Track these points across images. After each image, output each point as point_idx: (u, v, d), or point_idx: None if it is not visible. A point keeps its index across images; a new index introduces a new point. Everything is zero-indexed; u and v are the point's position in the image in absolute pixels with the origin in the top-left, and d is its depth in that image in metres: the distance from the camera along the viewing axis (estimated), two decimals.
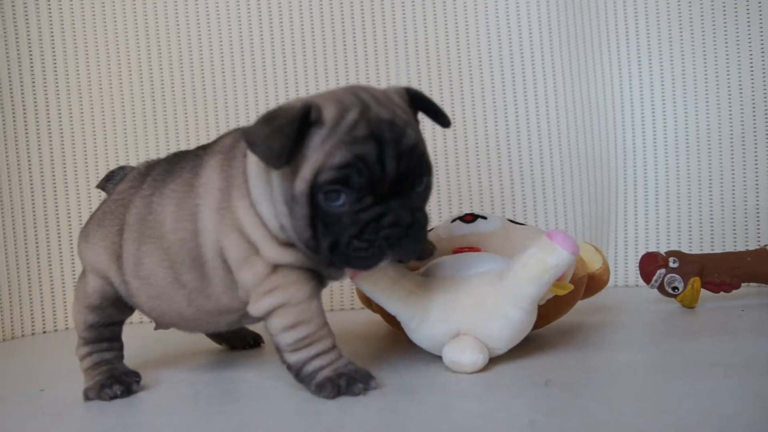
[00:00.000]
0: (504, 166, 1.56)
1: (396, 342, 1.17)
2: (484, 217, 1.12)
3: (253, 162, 0.89)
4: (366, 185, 0.81)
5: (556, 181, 1.56)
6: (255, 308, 0.90)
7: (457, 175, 1.56)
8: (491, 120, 1.56)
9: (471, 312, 0.94)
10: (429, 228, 1.00)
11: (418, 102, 0.90)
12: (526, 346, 1.06)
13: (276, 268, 0.88)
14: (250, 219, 0.88)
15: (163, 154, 1.52)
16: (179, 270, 0.94)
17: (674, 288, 1.29)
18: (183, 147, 1.54)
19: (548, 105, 1.55)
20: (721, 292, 1.30)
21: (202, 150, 0.99)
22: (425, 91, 1.54)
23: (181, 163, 0.98)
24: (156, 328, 1.12)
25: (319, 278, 0.92)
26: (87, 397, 0.94)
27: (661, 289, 1.30)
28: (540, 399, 0.83)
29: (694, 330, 1.13)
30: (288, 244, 0.88)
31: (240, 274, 0.90)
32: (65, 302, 1.51)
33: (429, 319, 0.96)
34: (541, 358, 1.00)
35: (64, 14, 1.51)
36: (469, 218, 1.12)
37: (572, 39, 1.55)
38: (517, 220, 1.21)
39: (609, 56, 1.57)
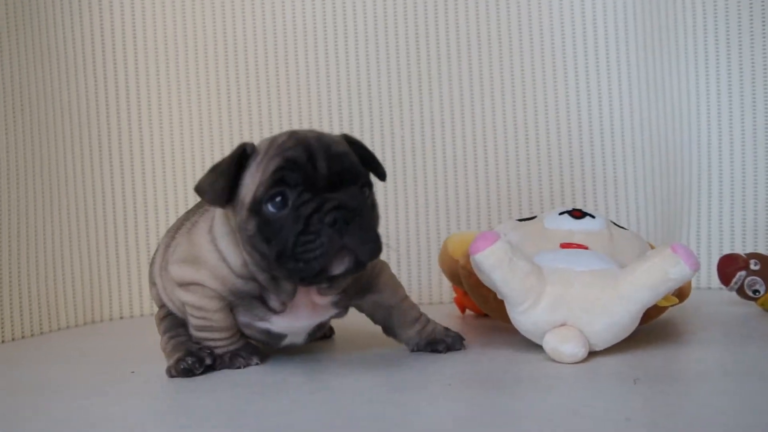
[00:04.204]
0: (576, 163, 1.55)
1: (476, 334, 1.18)
2: (592, 216, 1.12)
3: (217, 213, 0.97)
4: (302, 182, 0.86)
5: (628, 179, 1.54)
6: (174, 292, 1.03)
7: (528, 171, 1.55)
8: (563, 117, 1.55)
9: (581, 306, 0.96)
10: (532, 216, 1.03)
11: (355, 148, 0.94)
12: None
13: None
14: (212, 255, 0.97)
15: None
16: None
17: (755, 291, 1.27)
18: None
19: (622, 101, 1.53)
20: None
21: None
22: (501, 88, 1.55)
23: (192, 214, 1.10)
24: None
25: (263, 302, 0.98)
26: (170, 374, 1.00)
27: (740, 291, 1.28)
28: (630, 396, 0.82)
29: None
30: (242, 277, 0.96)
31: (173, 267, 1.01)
32: (141, 288, 1.56)
33: (539, 306, 0.97)
34: (624, 355, 0.99)
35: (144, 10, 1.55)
36: (578, 214, 1.12)
37: (647, 34, 1.53)
38: (617, 223, 1.21)
39: (685, 52, 1.54)
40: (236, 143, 1.57)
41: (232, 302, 0.99)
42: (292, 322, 1.00)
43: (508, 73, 1.55)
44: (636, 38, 1.52)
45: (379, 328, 1.09)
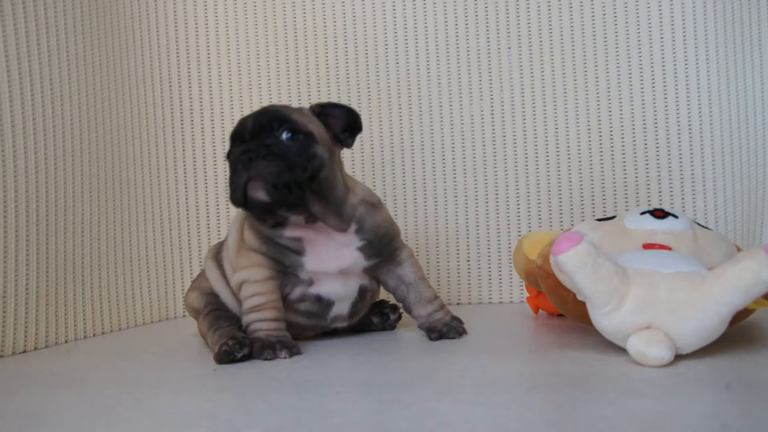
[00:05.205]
0: (651, 160, 1.52)
1: (552, 334, 1.17)
2: (675, 216, 1.10)
3: None
4: (238, 139, 1.12)
5: (707, 179, 1.50)
6: (232, 280, 1.17)
7: (602, 170, 1.53)
8: (639, 116, 1.52)
9: (668, 309, 0.94)
10: (611, 216, 1.01)
11: (326, 108, 1.18)
12: None
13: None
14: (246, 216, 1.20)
15: None
16: None
17: None
18: None
19: (700, 101, 1.50)
20: None
21: None
22: (575, 87, 1.53)
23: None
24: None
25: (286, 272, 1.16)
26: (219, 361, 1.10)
27: None
28: (725, 401, 0.80)
29: None
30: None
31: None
32: None
33: (623, 308, 0.95)
34: (712, 359, 0.97)
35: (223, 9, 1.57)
36: (660, 214, 1.10)
37: (728, 33, 1.49)
38: (700, 223, 1.18)
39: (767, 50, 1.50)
40: None
41: (277, 262, 1.14)
42: (321, 263, 1.14)
43: (584, 73, 1.53)
44: (716, 37, 1.49)
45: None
